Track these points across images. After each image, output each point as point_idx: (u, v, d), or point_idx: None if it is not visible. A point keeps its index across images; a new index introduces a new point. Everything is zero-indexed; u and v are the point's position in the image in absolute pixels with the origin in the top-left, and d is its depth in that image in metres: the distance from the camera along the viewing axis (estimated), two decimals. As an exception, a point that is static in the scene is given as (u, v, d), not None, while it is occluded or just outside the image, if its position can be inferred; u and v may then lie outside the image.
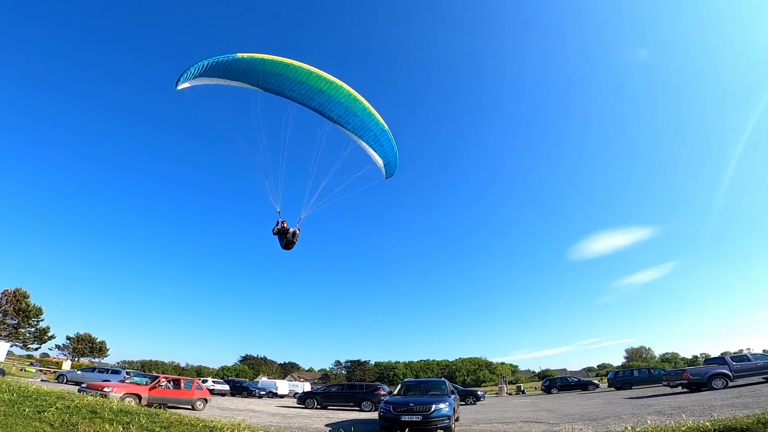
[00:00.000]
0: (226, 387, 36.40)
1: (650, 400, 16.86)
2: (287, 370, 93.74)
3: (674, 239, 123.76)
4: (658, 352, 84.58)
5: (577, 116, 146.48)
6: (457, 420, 12.99)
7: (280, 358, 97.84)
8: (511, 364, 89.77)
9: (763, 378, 19.20)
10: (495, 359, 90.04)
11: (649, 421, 9.59)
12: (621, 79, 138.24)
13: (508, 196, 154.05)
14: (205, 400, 18.63)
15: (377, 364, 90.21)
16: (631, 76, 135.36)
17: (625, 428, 8.70)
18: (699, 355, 73.05)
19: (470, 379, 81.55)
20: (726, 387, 18.39)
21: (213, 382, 36.07)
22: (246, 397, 35.46)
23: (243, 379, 56.78)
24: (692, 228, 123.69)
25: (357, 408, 21.73)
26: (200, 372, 78.31)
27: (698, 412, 10.51)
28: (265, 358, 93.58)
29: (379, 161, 10.34)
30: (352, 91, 9.27)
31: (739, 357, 20.54)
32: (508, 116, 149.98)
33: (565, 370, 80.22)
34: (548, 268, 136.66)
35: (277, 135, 9.76)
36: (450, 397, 11.83)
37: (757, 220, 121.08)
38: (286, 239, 9.98)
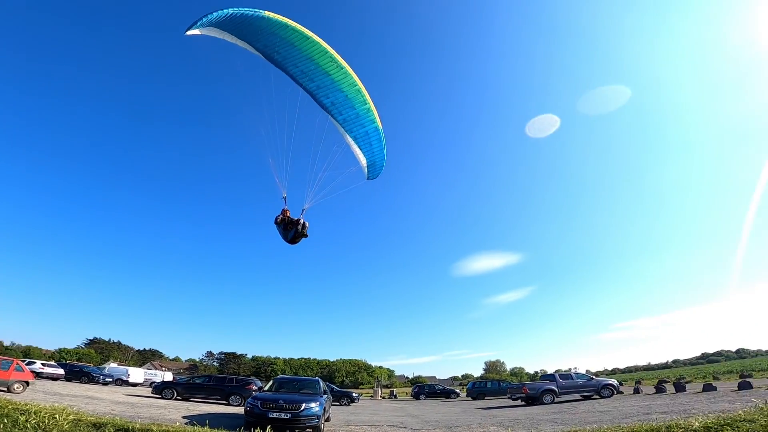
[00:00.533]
0: (60, 371, 31.94)
1: (496, 411, 19.25)
2: (147, 357, 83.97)
3: (534, 266, 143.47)
4: (509, 366, 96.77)
5: (473, 150, 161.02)
6: (327, 420, 13.15)
7: (139, 344, 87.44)
8: (388, 369, 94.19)
9: (581, 396, 23.31)
10: (374, 362, 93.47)
11: (492, 429, 10.98)
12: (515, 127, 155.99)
13: (408, 211, 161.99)
14: (26, 383, 16.43)
15: (255, 358, 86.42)
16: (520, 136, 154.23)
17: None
18: (539, 371, 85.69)
19: (349, 381, 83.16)
20: (553, 402, 21.88)
21: (42, 364, 31.63)
22: (86, 383, 31.05)
23: (86, 364, 49.47)
24: (547, 257, 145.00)
25: (224, 402, 20.58)
26: (28, 353, 66.10)
27: (528, 426, 12.27)
28: (119, 342, 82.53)
29: (363, 161, 9.62)
30: (358, 80, 8.47)
31: (565, 375, 24.58)
32: (407, 142, 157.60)
33: (434, 377, 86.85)
34: (434, 281, 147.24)
35: (284, 110, 8.75)
36: (322, 396, 11.93)
37: (597, 255, 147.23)
38: (295, 231, 8.86)
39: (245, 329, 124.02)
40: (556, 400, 22.15)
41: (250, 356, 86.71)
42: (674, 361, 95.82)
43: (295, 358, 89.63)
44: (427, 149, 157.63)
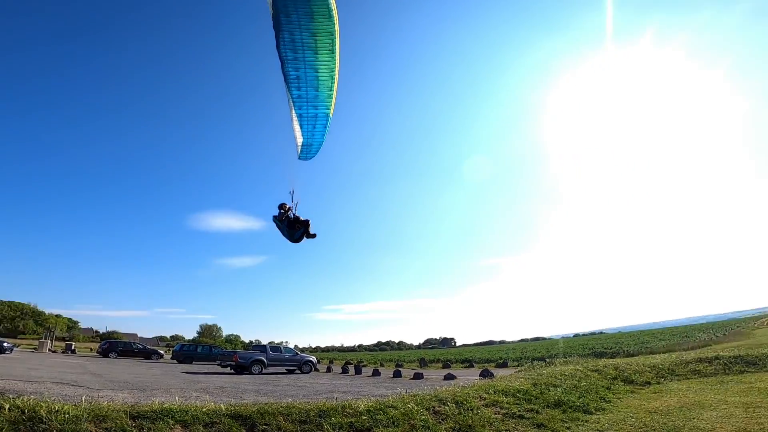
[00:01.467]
0: None
1: (202, 377, 18.91)
2: None
3: (273, 236, 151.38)
4: (226, 332, 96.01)
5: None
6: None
7: None
8: (70, 319, 75.85)
9: (287, 369, 25.74)
10: (50, 309, 73.53)
11: (194, 395, 10.75)
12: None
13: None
14: None
15: None
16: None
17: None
18: (254, 341, 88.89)
19: (4, 328, 62.25)
20: (261, 373, 23.33)
21: None
22: None
23: None
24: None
25: None
26: None
27: (232, 394, 12.57)
28: None
29: (300, 140, 8.85)
30: (338, 65, 7.75)
31: (276, 348, 26.56)
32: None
33: (136, 335, 76.60)
34: (167, 231, 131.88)
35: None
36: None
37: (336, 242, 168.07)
38: (303, 231, 8.14)
39: None
40: (264, 371, 23.63)
41: None
42: (359, 346, 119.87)
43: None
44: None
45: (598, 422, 7.79)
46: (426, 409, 8.17)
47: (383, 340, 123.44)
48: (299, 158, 9.28)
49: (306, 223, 8.30)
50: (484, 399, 9.46)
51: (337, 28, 7.60)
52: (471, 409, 8.53)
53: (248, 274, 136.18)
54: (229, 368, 24.06)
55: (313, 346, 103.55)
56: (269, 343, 46.83)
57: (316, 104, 8.53)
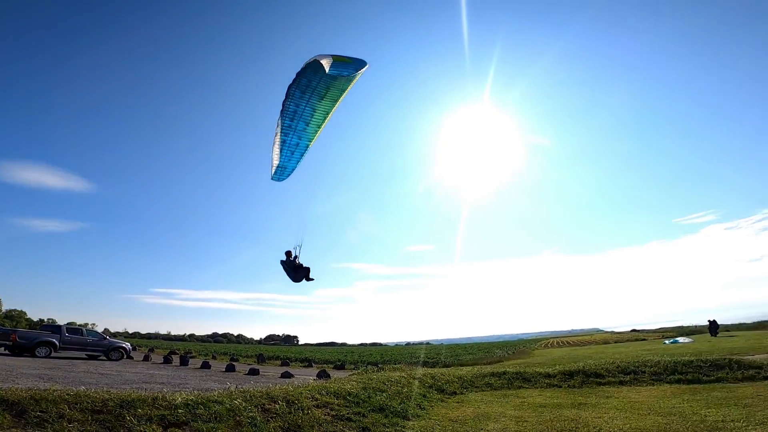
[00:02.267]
0: None
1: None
2: None
3: (105, 202, 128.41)
4: (7, 306, 76.19)
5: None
6: None
7: None
8: None
9: (88, 354, 21.70)
10: None
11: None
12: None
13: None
14: None
15: None
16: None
17: None
18: (46, 320, 72.46)
19: None
20: (49, 356, 19.10)
21: None
22: None
23: None
24: (128, 199, 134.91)
25: None
26: None
27: (3, 378, 10.13)
28: None
29: (276, 162, 9.64)
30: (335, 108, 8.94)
31: (75, 330, 22.36)
32: None
33: None
34: None
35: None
36: None
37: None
38: (304, 275, 9.79)
39: None
40: (54, 354, 19.56)
41: None
42: (190, 336, 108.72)
43: None
44: None
45: (413, 428, 8.63)
46: (255, 407, 7.92)
47: (220, 332, 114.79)
48: (272, 179, 9.89)
49: (307, 270, 9.83)
50: (317, 400, 9.64)
51: (350, 87, 8.77)
52: (302, 409, 8.59)
53: (56, 241, 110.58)
54: (3, 348, 19.08)
55: (131, 332, 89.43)
56: (68, 323, 38.50)
57: (301, 135, 9.34)
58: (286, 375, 18.45)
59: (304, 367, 31.65)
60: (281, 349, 73.68)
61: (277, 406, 8.54)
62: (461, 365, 25.90)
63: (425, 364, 30.78)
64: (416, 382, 13.45)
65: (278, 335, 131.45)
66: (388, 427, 8.62)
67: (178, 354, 30.34)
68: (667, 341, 35.45)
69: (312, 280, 10.08)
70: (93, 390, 6.91)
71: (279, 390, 9.90)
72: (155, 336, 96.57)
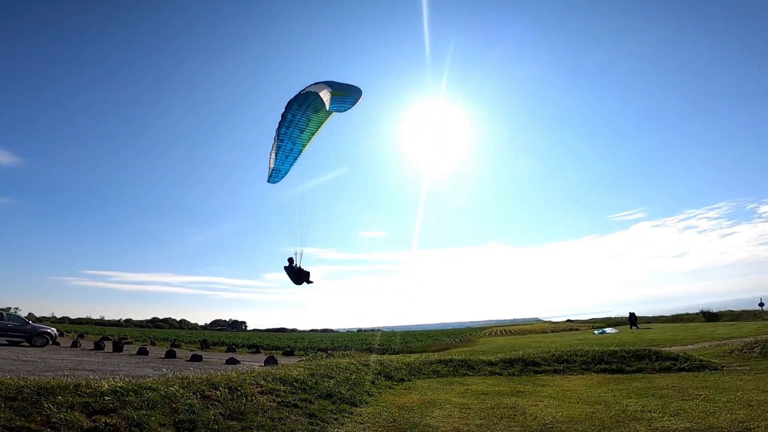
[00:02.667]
0: None
1: None
2: None
3: (36, 177, 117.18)
4: None
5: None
6: None
7: None
8: None
9: (8, 340, 19.76)
10: None
11: None
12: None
13: None
14: None
15: None
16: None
17: None
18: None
19: None
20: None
21: None
22: None
23: None
24: (60, 175, 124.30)
25: None
26: None
27: None
28: None
29: (272, 165, 10.56)
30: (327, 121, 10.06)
31: None
32: None
33: None
34: None
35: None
36: None
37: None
38: (306, 279, 10.74)
39: None
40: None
41: None
42: (127, 321, 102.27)
43: None
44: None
45: (361, 415, 8.66)
46: (194, 393, 7.57)
47: (160, 317, 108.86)
48: (268, 181, 10.80)
49: (308, 274, 10.81)
50: (262, 386, 9.40)
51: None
52: (245, 396, 8.34)
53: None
54: None
55: (59, 317, 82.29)
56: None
57: (295, 141, 10.12)
58: (232, 361, 17.91)
59: (252, 353, 30.91)
60: (227, 335, 71.55)
61: (218, 392, 8.23)
62: (410, 352, 26.55)
63: (375, 350, 31.23)
64: (366, 369, 13.56)
65: (225, 321, 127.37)
66: (335, 414, 8.59)
67: (111, 340, 28.48)
68: (596, 331, 38.46)
69: (312, 282, 11.08)
70: (8, 377, 6.25)
71: (221, 376, 9.54)
72: (86, 321, 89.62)
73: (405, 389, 12.05)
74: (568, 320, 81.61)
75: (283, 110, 9.77)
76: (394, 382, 13.03)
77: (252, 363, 17.90)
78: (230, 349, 31.43)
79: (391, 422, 8.06)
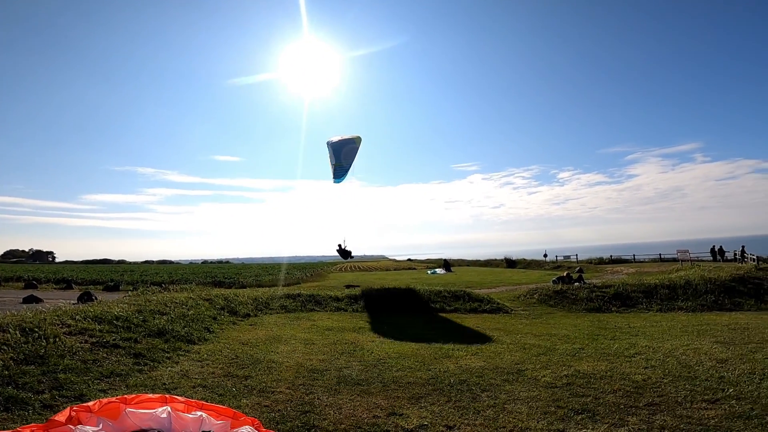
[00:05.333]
0: None
1: None
2: None
3: None
4: None
5: None
6: None
7: None
8: None
9: None
10: None
11: None
12: None
13: None
14: None
15: None
16: None
17: None
18: None
19: None
20: None
21: None
22: None
23: None
24: None
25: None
26: None
27: None
28: None
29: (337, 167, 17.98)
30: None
31: None
32: None
33: None
34: None
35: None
36: None
37: None
38: (348, 256, 20.49)
39: None
40: None
41: None
42: None
43: None
44: None
45: (199, 353, 8.29)
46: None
47: None
48: (332, 180, 18.22)
49: (349, 252, 20.09)
50: (70, 326, 8.16)
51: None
52: (46, 338, 7.16)
53: None
54: None
55: None
56: None
57: (347, 157, 17.83)
58: (31, 299, 14.70)
59: (61, 289, 26.38)
60: (27, 268, 58.31)
61: (8, 335, 6.80)
62: (260, 286, 26.30)
63: (221, 284, 29.89)
64: (206, 304, 12.87)
65: (23, 251, 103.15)
66: (168, 353, 8.07)
67: None
68: (429, 271, 44.65)
69: (352, 258, 19.86)
70: None
71: (11, 317, 7.89)
72: None
73: (251, 325, 11.95)
74: (409, 259, 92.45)
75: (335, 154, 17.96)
76: (239, 318, 12.78)
77: (60, 300, 15.06)
78: (30, 285, 26.59)
79: (232, 359, 7.96)
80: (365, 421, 5.15)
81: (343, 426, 4.99)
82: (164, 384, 6.27)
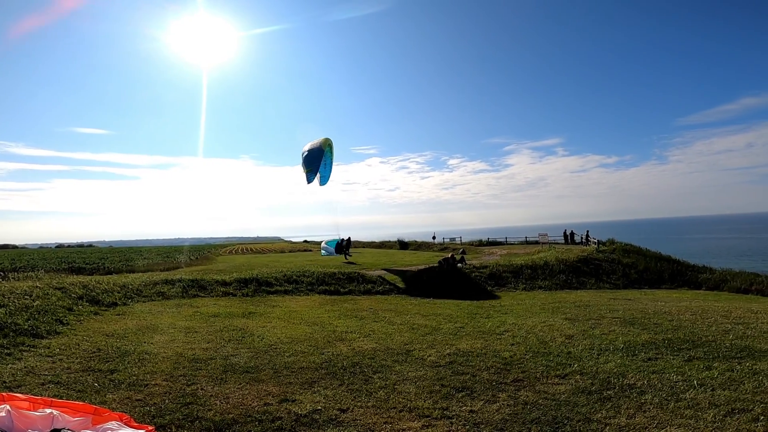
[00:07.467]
0: None
1: None
2: None
3: None
4: None
5: None
6: None
7: None
8: None
9: None
10: None
11: None
12: None
13: None
14: None
15: None
16: None
17: None
18: None
19: None
20: None
21: None
22: None
23: None
24: None
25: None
26: None
27: None
28: None
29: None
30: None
31: None
32: None
33: None
34: None
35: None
36: None
37: None
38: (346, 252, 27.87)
39: None
40: None
41: None
42: None
43: None
44: None
45: (49, 347, 7.15)
46: None
47: None
48: (321, 185, 23.81)
49: (347, 247, 29.47)
50: None
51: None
52: None
53: None
54: None
55: None
56: None
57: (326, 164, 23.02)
58: None
59: None
60: None
61: None
62: (131, 272, 23.07)
63: (80, 271, 25.47)
64: (57, 293, 10.85)
65: None
66: (7, 348, 6.79)
67: None
68: (324, 252, 44.42)
69: (350, 256, 28.00)
70: None
71: None
72: None
73: (117, 315, 10.47)
74: (305, 240, 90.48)
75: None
76: (103, 308, 11.08)
77: None
78: None
79: (93, 352, 6.98)
80: (255, 409, 4.95)
81: (231, 416, 4.73)
82: (4, 382, 5.38)
